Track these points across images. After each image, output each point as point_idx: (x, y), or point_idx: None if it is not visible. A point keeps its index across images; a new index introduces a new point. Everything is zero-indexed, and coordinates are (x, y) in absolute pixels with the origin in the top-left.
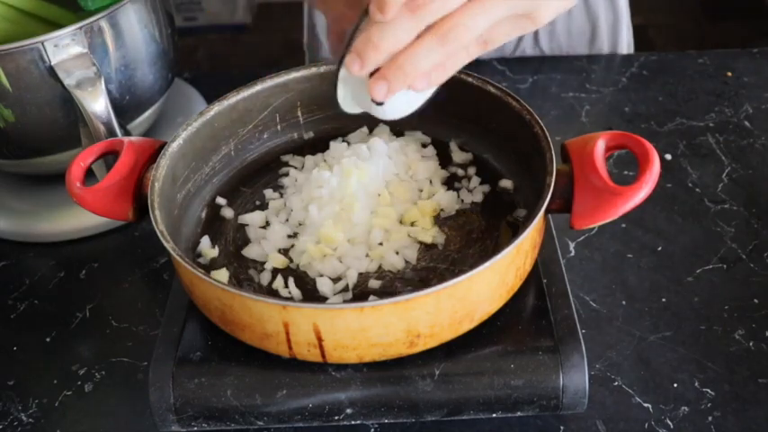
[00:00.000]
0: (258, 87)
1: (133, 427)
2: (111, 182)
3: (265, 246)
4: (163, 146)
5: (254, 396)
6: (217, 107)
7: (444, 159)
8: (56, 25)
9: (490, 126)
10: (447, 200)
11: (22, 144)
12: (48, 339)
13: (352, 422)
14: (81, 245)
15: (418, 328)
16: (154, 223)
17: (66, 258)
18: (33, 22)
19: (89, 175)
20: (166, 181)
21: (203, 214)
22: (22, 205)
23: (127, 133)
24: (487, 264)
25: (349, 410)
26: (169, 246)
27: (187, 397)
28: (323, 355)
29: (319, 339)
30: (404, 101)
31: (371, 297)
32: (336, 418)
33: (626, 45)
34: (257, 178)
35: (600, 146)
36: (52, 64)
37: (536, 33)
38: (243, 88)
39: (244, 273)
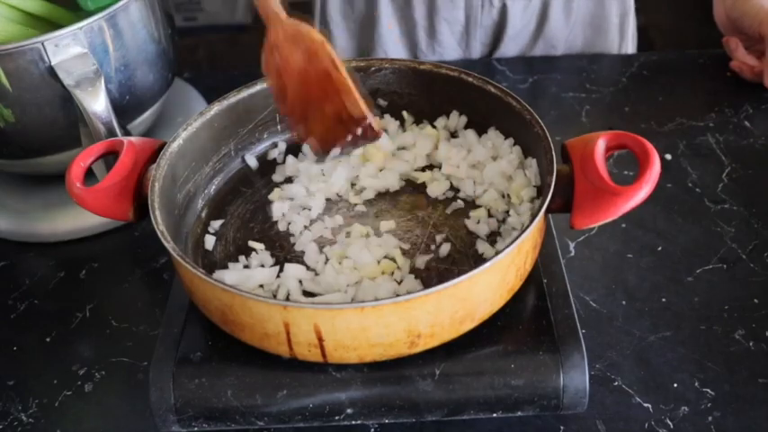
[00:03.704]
0: (258, 87)
1: (133, 426)
2: (111, 182)
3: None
4: (163, 146)
5: (254, 396)
6: (217, 107)
7: None
8: (56, 25)
9: (490, 126)
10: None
11: (22, 144)
12: (48, 339)
13: (353, 422)
14: (81, 245)
15: (419, 328)
16: (154, 224)
17: (66, 258)
18: (34, 22)
19: (89, 176)
20: (167, 181)
21: (203, 214)
22: (22, 205)
23: (127, 133)
24: (488, 264)
25: (349, 410)
26: (170, 246)
27: (187, 397)
28: (323, 355)
29: (320, 339)
30: None
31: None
32: (337, 418)
33: (631, 42)
34: (257, 178)
35: (600, 146)
36: (52, 64)
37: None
38: (243, 88)
39: None
